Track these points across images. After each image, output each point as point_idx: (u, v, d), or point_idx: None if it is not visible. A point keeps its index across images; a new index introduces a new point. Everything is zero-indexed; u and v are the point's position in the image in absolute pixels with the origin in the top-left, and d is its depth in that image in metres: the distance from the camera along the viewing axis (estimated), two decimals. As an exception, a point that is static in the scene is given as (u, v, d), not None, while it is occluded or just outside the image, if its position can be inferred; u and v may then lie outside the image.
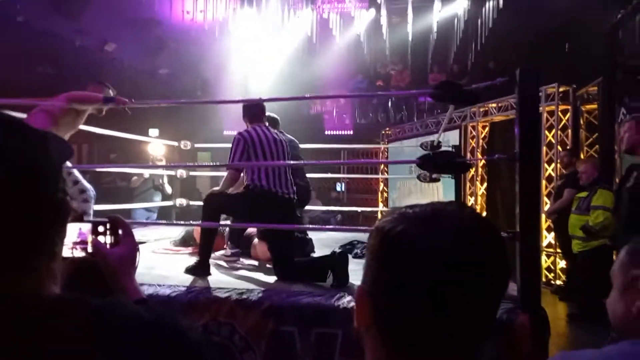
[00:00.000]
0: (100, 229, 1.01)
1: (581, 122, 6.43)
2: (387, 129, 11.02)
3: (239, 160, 3.29)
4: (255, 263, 3.67)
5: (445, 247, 0.57)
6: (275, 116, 4.17)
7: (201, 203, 3.37)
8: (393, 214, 0.63)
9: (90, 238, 1.00)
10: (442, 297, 0.56)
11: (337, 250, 3.69)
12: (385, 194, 10.98)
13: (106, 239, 1.01)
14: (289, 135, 4.14)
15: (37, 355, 0.53)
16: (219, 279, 2.97)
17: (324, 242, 4.40)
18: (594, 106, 6.28)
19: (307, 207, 5.84)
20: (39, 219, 0.59)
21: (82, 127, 3.97)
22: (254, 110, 3.51)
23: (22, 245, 0.57)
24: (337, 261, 2.91)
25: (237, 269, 3.43)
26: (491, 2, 9.72)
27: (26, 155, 0.58)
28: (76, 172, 3.82)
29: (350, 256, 4.00)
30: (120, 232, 1.02)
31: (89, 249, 0.99)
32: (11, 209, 0.56)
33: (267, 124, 3.51)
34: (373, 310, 0.61)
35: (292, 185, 3.34)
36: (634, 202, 3.22)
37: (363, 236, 4.73)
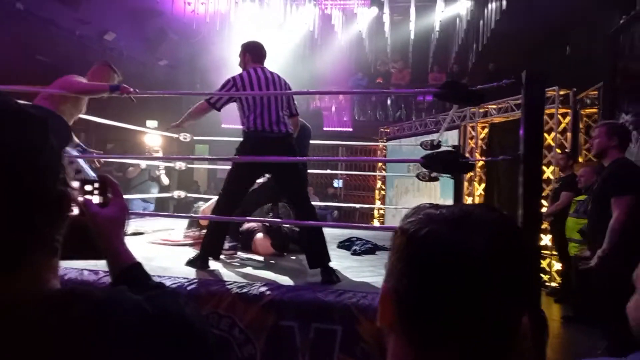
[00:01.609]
0: (88, 188, 0.95)
1: (580, 125, 6.47)
2: (386, 127, 11.04)
3: (221, 97, 3.26)
4: (256, 257, 3.67)
5: (473, 249, 0.57)
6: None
7: (198, 195, 3.33)
8: (418, 215, 0.62)
9: (77, 197, 0.94)
10: (468, 298, 0.56)
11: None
12: (382, 192, 11.01)
13: (94, 199, 0.95)
14: (302, 120, 4.16)
15: (39, 352, 0.52)
16: (220, 272, 2.97)
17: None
18: (594, 110, 6.32)
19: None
20: (38, 213, 0.56)
21: (80, 115, 3.93)
22: (252, 50, 3.43)
23: (20, 240, 0.55)
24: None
25: (238, 262, 3.43)
26: (494, 4, 9.71)
27: (25, 145, 0.55)
28: (80, 161, 3.78)
29: (348, 253, 4.04)
30: (109, 193, 0.97)
31: (77, 209, 0.93)
32: (8, 202, 0.53)
33: (262, 64, 3.40)
34: (397, 309, 0.60)
35: (284, 122, 3.25)
36: (595, 201, 3.40)
37: (361, 233, 4.75)
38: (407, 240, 0.61)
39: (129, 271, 0.93)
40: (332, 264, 2.99)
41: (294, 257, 3.72)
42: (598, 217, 3.31)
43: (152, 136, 6.63)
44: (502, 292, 0.57)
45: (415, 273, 0.59)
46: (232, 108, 3.42)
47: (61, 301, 0.56)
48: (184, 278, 2.67)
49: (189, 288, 2.57)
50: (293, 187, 3.23)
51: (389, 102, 11.81)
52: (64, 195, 0.60)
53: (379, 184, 11.14)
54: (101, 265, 2.61)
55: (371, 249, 4.10)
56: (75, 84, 3.47)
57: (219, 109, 3.35)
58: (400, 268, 0.61)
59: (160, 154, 6.60)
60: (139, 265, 0.95)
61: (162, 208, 7.34)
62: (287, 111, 3.34)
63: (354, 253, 4.00)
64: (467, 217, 0.60)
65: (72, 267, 2.71)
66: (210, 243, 3.19)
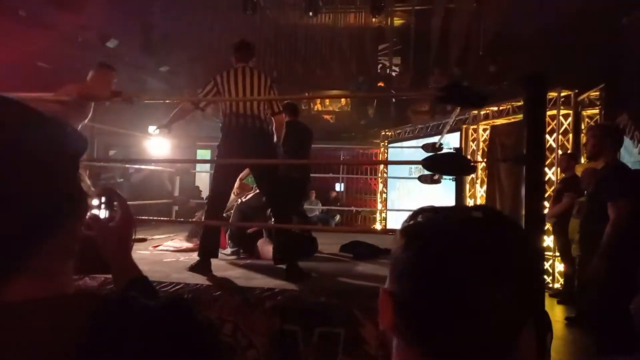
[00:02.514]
0: (95, 202, 0.96)
1: (582, 126, 6.46)
2: (387, 130, 11.05)
3: (203, 97, 3.38)
4: (259, 262, 3.67)
5: (472, 251, 0.56)
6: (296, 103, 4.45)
7: (200, 200, 3.38)
8: (417, 218, 0.62)
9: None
10: (467, 301, 0.55)
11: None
12: (384, 195, 11.00)
13: (101, 213, 0.96)
14: (304, 123, 4.23)
15: (47, 352, 0.52)
16: (222, 278, 2.97)
17: (324, 242, 4.41)
18: (596, 111, 6.32)
19: (306, 207, 5.86)
20: (53, 215, 0.56)
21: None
22: (236, 51, 3.47)
23: (37, 241, 0.55)
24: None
25: (240, 267, 3.43)
26: (494, 6, 9.70)
27: (42, 148, 0.56)
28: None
29: (351, 256, 4.04)
30: (115, 206, 0.97)
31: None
32: (23, 204, 0.54)
33: (249, 65, 3.43)
34: (397, 312, 0.60)
35: (260, 120, 3.29)
36: (589, 203, 3.46)
37: (363, 236, 4.74)
38: (405, 243, 0.60)
39: (135, 284, 0.93)
40: (335, 267, 2.99)
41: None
42: (591, 220, 3.36)
43: (155, 141, 6.63)
44: (499, 294, 0.56)
45: (412, 275, 0.58)
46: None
47: (70, 303, 0.56)
48: (187, 284, 2.67)
49: (192, 294, 2.56)
50: (267, 180, 3.32)
51: (390, 105, 11.82)
52: (79, 199, 0.60)
53: (380, 187, 11.13)
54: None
55: (374, 252, 4.10)
56: (82, 89, 3.49)
57: (202, 110, 3.50)
58: (399, 270, 0.60)
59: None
60: (145, 279, 0.95)
61: (165, 214, 7.35)
62: (268, 110, 3.37)
63: (357, 257, 3.99)
64: (466, 219, 0.60)
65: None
66: (206, 245, 3.20)
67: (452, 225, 0.59)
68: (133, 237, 0.97)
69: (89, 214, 0.93)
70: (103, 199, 0.97)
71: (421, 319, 0.58)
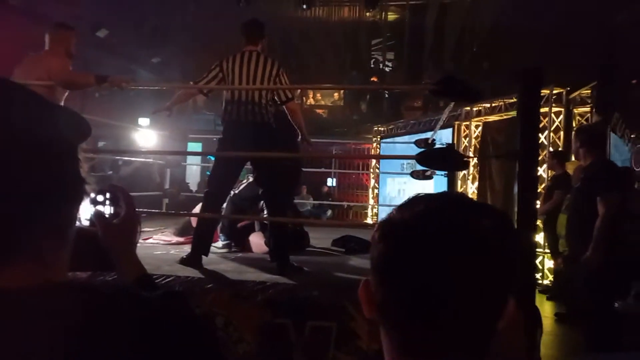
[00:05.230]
0: (100, 198, 0.94)
1: (574, 124, 6.50)
2: (379, 125, 11.05)
3: (206, 83, 3.27)
4: (250, 255, 3.66)
5: (422, 242, 0.56)
6: None
7: (189, 193, 3.32)
8: (396, 208, 0.63)
9: (88, 208, 0.92)
10: (422, 292, 0.56)
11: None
12: (376, 190, 11.01)
13: (106, 210, 0.95)
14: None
15: (44, 340, 0.51)
16: (214, 270, 2.95)
17: (316, 236, 4.40)
18: (587, 109, 6.36)
19: (297, 201, 5.85)
20: (48, 199, 0.55)
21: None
22: (243, 32, 3.31)
23: (30, 225, 0.54)
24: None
25: (232, 260, 3.42)
26: (489, 3, 9.71)
27: (36, 130, 0.54)
28: None
29: (343, 251, 4.04)
30: (120, 203, 0.95)
31: (87, 220, 0.96)
32: (16, 186, 0.52)
33: (257, 47, 3.26)
34: (374, 302, 0.61)
35: (260, 112, 3.16)
36: (577, 197, 3.53)
37: (356, 232, 4.75)
38: (375, 233, 0.62)
39: (138, 282, 0.93)
40: (327, 261, 2.99)
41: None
42: (579, 215, 3.43)
43: (145, 134, 6.59)
44: (467, 287, 0.55)
45: (375, 267, 0.60)
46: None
47: (64, 292, 0.55)
48: (178, 276, 2.65)
49: (183, 286, 2.55)
50: (265, 173, 3.23)
51: (382, 101, 11.82)
52: (76, 185, 0.59)
53: (372, 182, 11.15)
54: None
55: (365, 246, 4.09)
56: (56, 74, 3.28)
57: (206, 95, 3.48)
58: (371, 261, 0.62)
59: None
60: (149, 277, 0.96)
61: (155, 206, 7.30)
62: (271, 100, 3.26)
63: (348, 251, 3.99)
64: (419, 211, 0.59)
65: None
66: (198, 242, 3.16)
67: (407, 217, 0.59)
68: (138, 234, 0.98)
69: (93, 210, 0.93)
70: (108, 195, 0.95)
71: (388, 309, 0.59)
